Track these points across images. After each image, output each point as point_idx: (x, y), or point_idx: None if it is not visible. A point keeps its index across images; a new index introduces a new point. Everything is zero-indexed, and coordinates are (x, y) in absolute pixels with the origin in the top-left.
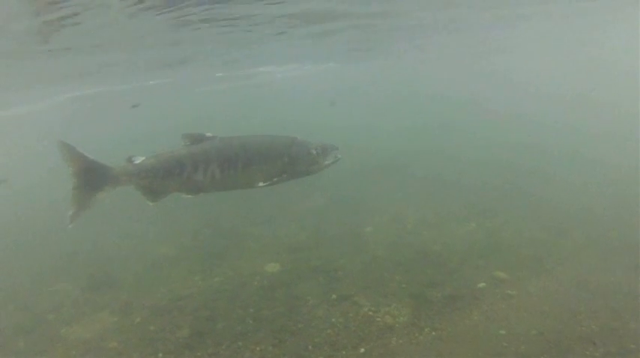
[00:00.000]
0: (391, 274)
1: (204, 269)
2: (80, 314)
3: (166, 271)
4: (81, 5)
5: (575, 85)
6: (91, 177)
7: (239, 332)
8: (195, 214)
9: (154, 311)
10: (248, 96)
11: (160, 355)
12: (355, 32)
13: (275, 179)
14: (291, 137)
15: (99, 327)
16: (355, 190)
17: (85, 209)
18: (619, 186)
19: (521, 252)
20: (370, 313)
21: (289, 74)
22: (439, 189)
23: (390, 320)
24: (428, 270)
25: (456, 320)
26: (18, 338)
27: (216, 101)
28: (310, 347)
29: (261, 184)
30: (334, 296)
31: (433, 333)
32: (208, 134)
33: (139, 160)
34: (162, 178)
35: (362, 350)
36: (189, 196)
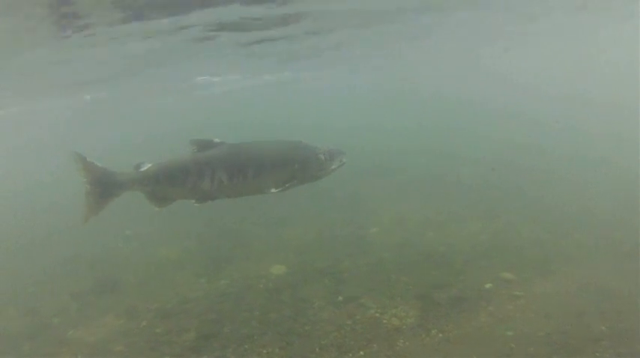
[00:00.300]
0: (397, 276)
1: (210, 272)
2: (85, 317)
3: (171, 274)
4: None
5: (575, 85)
6: (102, 185)
7: (245, 335)
8: (199, 216)
9: (159, 315)
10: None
11: None
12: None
13: (286, 185)
14: (299, 142)
15: (104, 331)
16: (356, 191)
17: (96, 213)
18: (622, 186)
19: (527, 253)
20: (377, 315)
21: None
22: (440, 189)
23: (397, 321)
24: (434, 272)
25: (463, 322)
26: (24, 341)
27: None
28: (317, 349)
29: (272, 191)
30: (340, 298)
31: (440, 335)
32: (216, 140)
33: (145, 167)
34: (167, 185)
35: (369, 351)
36: (197, 204)
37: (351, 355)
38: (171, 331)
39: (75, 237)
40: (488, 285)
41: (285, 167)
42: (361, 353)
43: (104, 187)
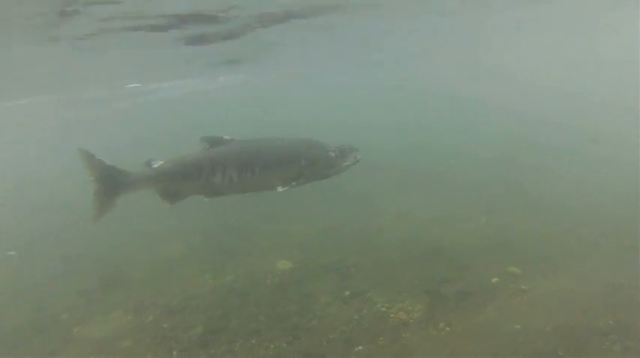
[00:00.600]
0: (403, 270)
1: (216, 268)
2: (93, 313)
3: (177, 270)
4: None
5: (575, 82)
6: (110, 183)
7: (252, 330)
8: (204, 212)
9: (166, 310)
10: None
11: (175, 353)
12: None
13: (294, 183)
14: (309, 139)
15: (112, 326)
16: (360, 187)
17: (105, 212)
18: (626, 183)
19: (533, 248)
20: (384, 309)
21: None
22: (443, 185)
23: (404, 316)
24: (440, 266)
25: (471, 316)
26: (32, 337)
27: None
28: (325, 343)
29: (279, 189)
30: (347, 293)
31: (448, 329)
32: (226, 137)
33: (157, 164)
34: (179, 182)
35: (377, 346)
36: (207, 199)
37: (359, 349)
38: (178, 326)
39: (82, 235)
40: (494, 280)
41: (292, 164)
42: (369, 347)
43: (112, 185)
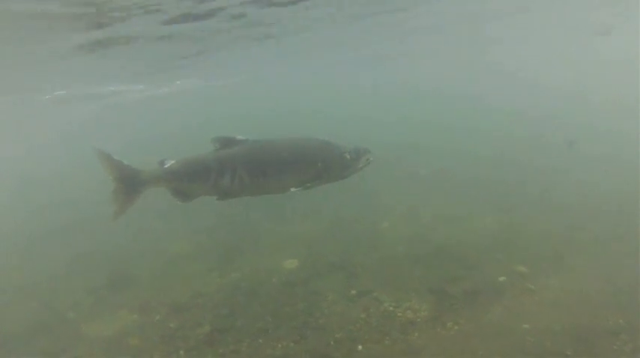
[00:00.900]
0: (410, 269)
1: (222, 266)
2: (100, 311)
3: (184, 268)
4: None
5: (578, 81)
6: (128, 182)
7: (260, 329)
8: (211, 211)
9: (173, 309)
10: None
11: (182, 352)
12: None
13: (308, 185)
14: (323, 140)
15: (119, 325)
16: (365, 186)
17: (125, 209)
18: (626, 180)
19: (540, 246)
20: (391, 308)
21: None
22: (449, 184)
23: (412, 315)
24: (447, 265)
25: (479, 315)
26: (40, 335)
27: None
28: (332, 342)
29: (293, 190)
30: (354, 291)
31: (456, 328)
32: (239, 137)
33: (169, 163)
34: (189, 182)
35: (384, 345)
36: (219, 200)
37: (366, 348)
38: (185, 325)
39: (89, 233)
40: (502, 279)
41: (308, 166)
42: (376, 346)
43: (130, 184)
